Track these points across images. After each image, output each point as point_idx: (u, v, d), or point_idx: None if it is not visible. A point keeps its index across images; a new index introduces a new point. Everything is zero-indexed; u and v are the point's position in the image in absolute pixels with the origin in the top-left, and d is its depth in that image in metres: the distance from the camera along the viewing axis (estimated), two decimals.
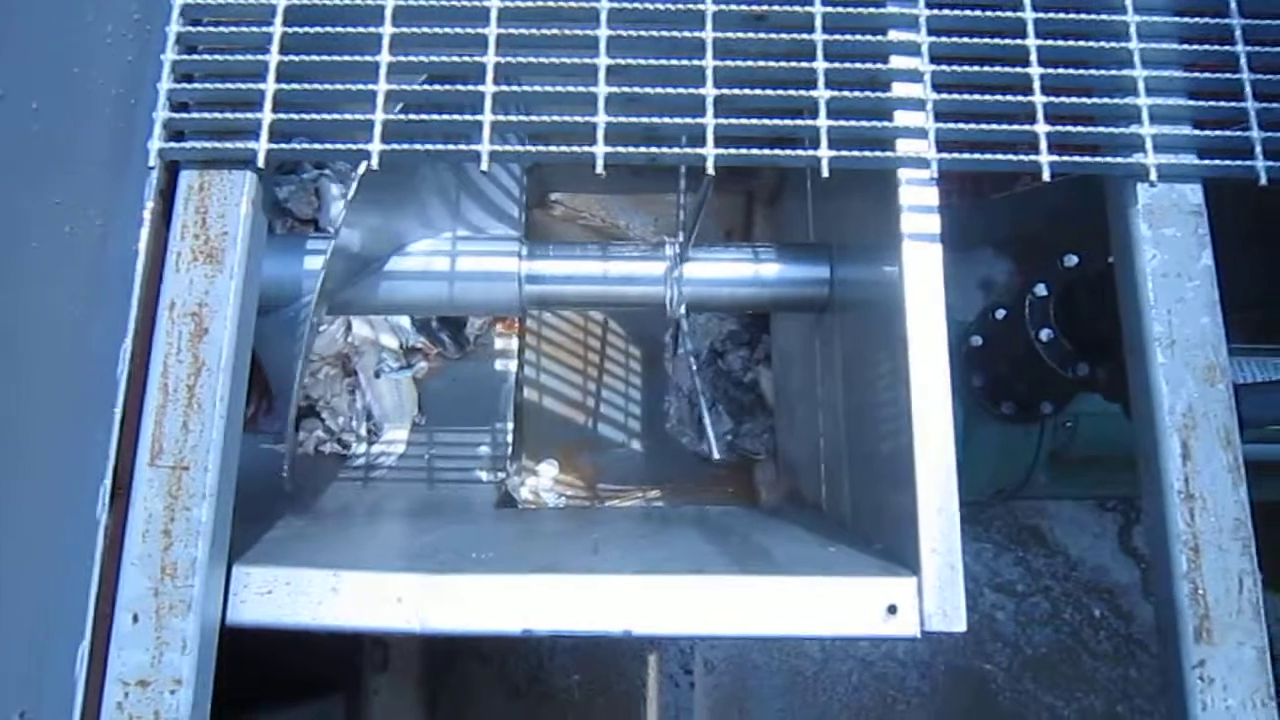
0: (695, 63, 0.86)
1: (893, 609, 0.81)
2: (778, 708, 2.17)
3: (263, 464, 1.31)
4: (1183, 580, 0.79)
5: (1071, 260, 1.26)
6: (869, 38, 0.88)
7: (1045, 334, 1.25)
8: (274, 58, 0.85)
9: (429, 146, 0.85)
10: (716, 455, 1.21)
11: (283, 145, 0.84)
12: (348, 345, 1.56)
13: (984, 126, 0.86)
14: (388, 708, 1.68)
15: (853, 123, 0.86)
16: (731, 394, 1.70)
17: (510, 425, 1.58)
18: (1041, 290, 1.28)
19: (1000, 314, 1.38)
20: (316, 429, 1.55)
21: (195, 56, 0.86)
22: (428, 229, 1.19)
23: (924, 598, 0.81)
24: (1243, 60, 0.88)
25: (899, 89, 0.88)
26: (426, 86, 0.85)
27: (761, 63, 0.87)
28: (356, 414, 1.54)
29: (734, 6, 0.88)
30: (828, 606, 0.82)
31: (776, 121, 0.85)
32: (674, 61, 0.86)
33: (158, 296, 0.81)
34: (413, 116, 0.84)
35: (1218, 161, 0.86)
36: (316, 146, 0.87)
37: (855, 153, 0.85)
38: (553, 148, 0.84)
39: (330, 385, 1.55)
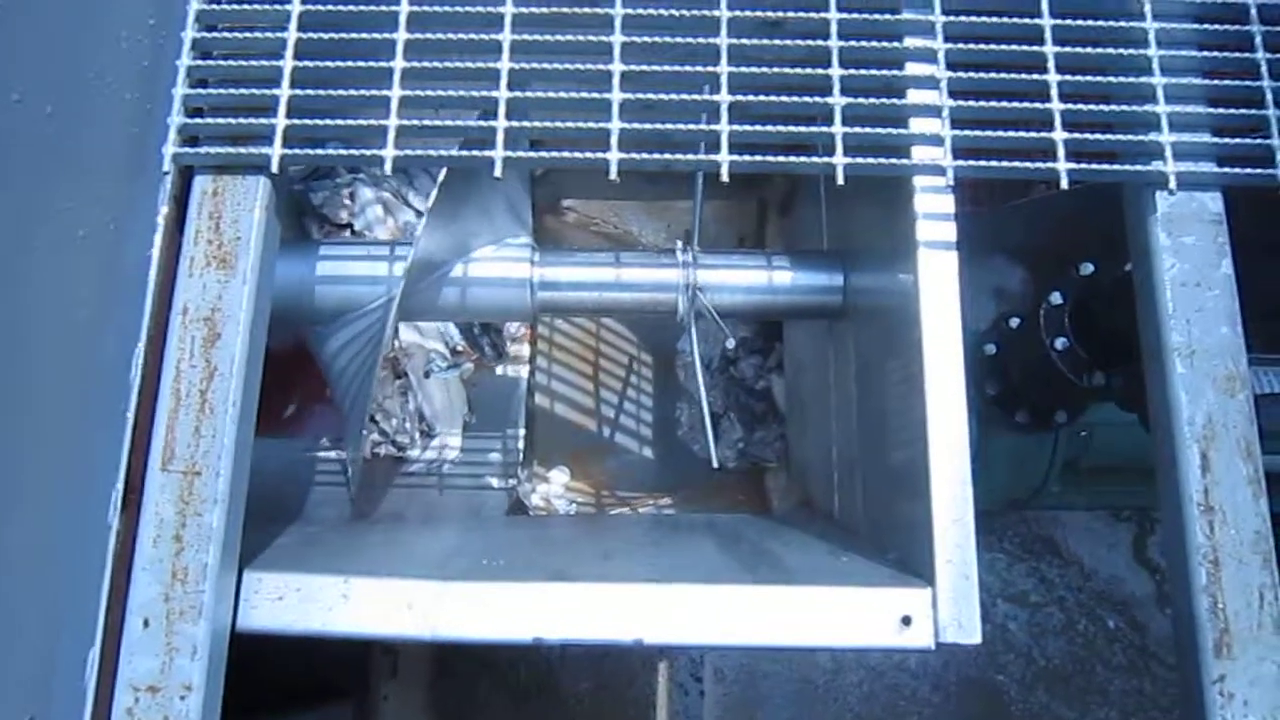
0: (710, 69, 0.86)
1: (907, 620, 0.80)
2: (788, 717, 2.15)
3: (274, 468, 1.31)
4: (1202, 594, 0.78)
5: (1087, 269, 1.25)
6: (885, 44, 0.87)
7: (1060, 343, 1.24)
8: (288, 63, 0.85)
9: (443, 152, 0.85)
10: (715, 464, 1.21)
11: (296, 150, 0.84)
12: (397, 349, 1.56)
13: (1001, 134, 0.85)
14: (396, 714, 1.68)
15: (868, 129, 0.85)
16: (743, 401, 1.69)
17: (522, 432, 1.57)
18: (1056, 299, 1.27)
19: (1014, 322, 1.37)
20: (371, 432, 1.55)
21: (210, 62, 0.87)
22: (494, 234, 1.19)
23: (939, 609, 0.80)
24: (1263, 67, 0.87)
25: (915, 96, 0.88)
26: (441, 93, 0.85)
27: (776, 69, 0.86)
28: (409, 415, 1.54)
29: (749, 13, 0.87)
30: (841, 617, 0.81)
31: (791, 128, 0.85)
32: (689, 68, 0.86)
33: (170, 301, 0.81)
34: (426, 122, 0.84)
35: (1237, 170, 0.85)
36: (330, 152, 0.86)
37: (871, 160, 0.84)
38: (566, 154, 0.84)
39: (382, 388, 1.56)
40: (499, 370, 1.63)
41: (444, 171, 0.99)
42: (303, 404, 1.54)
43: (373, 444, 1.54)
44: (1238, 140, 0.86)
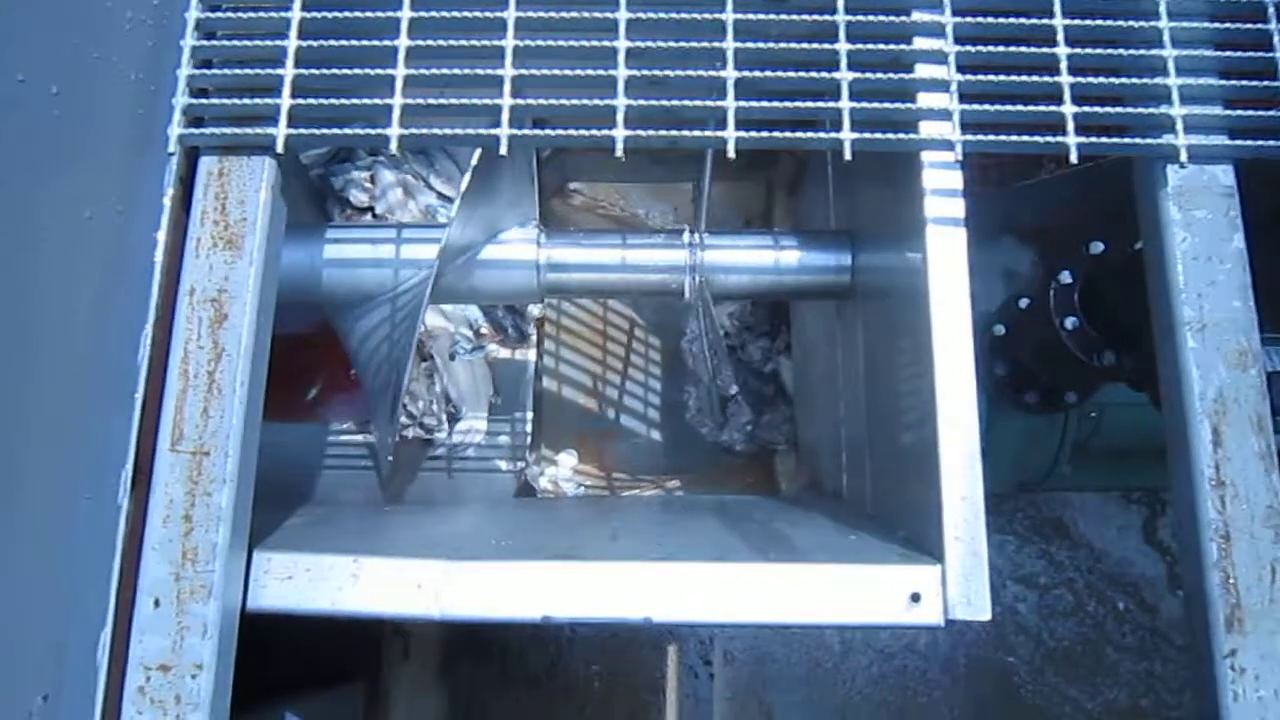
0: (716, 45, 0.85)
1: (916, 597, 0.80)
2: (797, 699, 2.16)
3: (293, 451, 1.32)
4: (1213, 569, 0.77)
5: (1097, 247, 1.24)
6: (892, 18, 0.87)
7: (1070, 322, 1.24)
8: (293, 43, 0.84)
9: (448, 131, 0.84)
10: (732, 390, 1.19)
11: (302, 130, 0.84)
12: (422, 332, 1.56)
13: (1010, 108, 0.84)
14: (408, 697, 1.68)
15: (876, 105, 0.84)
16: (752, 384, 1.69)
17: (530, 415, 1.57)
18: (1066, 278, 1.26)
19: (1024, 302, 1.36)
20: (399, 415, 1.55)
21: (214, 42, 0.86)
22: (517, 214, 1.18)
23: (948, 586, 0.80)
24: (1275, 39, 0.86)
25: (923, 70, 0.87)
26: (446, 71, 0.84)
27: (783, 44, 0.86)
28: (436, 398, 1.54)
29: None
30: (850, 594, 0.81)
31: (798, 104, 0.84)
32: (695, 44, 0.85)
33: (178, 282, 0.81)
34: (431, 100, 0.83)
35: (1250, 142, 0.85)
36: (336, 132, 0.86)
37: (878, 135, 0.84)
38: (573, 131, 0.83)
39: None
40: (507, 354, 1.63)
41: (477, 154, 0.99)
42: (325, 387, 1.55)
43: (400, 427, 1.54)
44: (1250, 112, 0.85)
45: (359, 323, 1.12)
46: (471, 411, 1.56)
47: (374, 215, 1.55)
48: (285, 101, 0.83)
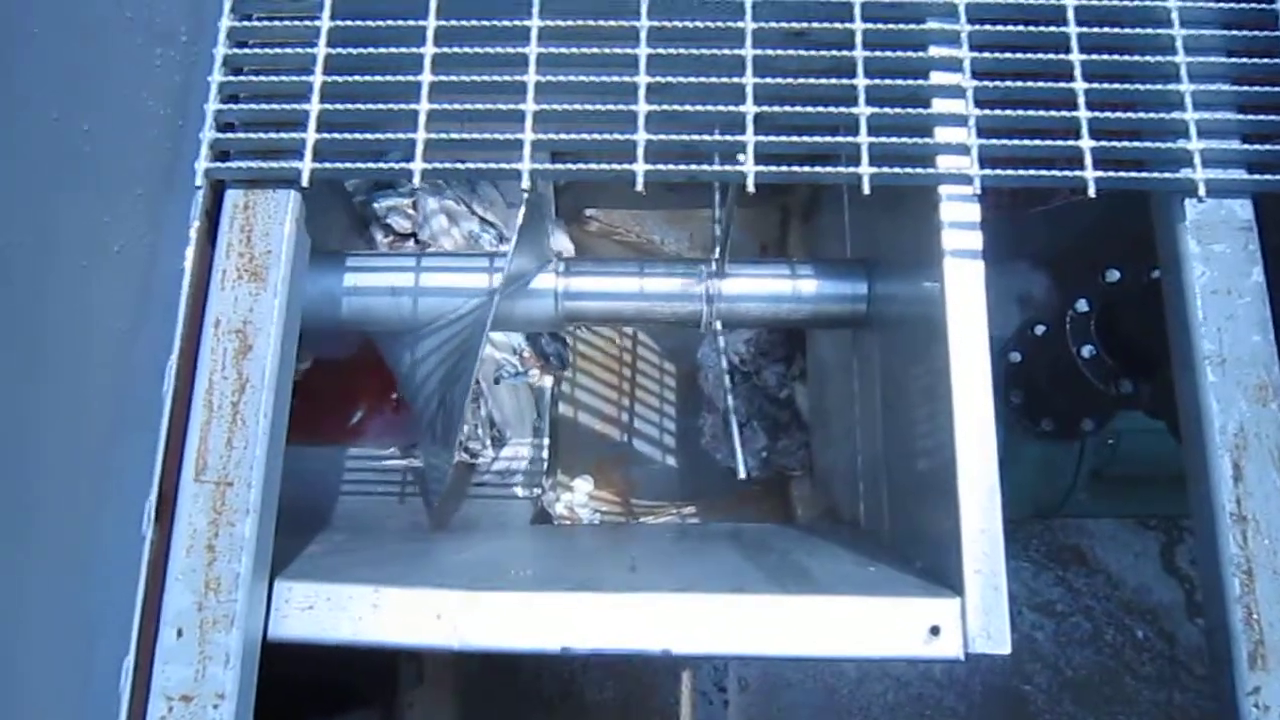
0: (735, 80, 0.86)
1: (935, 630, 0.80)
2: None
3: (304, 478, 1.32)
4: (1236, 605, 0.77)
5: (1114, 275, 1.24)
6: (910, 54, 0.87)
7: (1087, 350, 1.23)
8: (318, 78, 0.86)
9: (470, 165, 0.85)
10: (743, 474, 1.21)
11: (327, 165, 0.85)
12: None
13: (1028, 142, 0.85)
14: None
15: (894, 139, 0.85)
16: (767, 410, 1.69)
17: (546, 441, 1.58)
18: (1083, 306, 1.26)
19: (1040, 330, 1.36)
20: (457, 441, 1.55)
21: (241, 78, 0.88)
22: (553, 247, 1.20)
23: (968, 619, 0.80)
24: None
25: (941, 105, 0.88)
26: (469, 106, 0.86)
27: (801, 79, 0.86)
28: (481, 422, 1.54)
29: (774, 24, 0.88)
30: (869, 627, 0.81)
31: (817, 139, 0.85)
32: (714, 79, 0.86)
33: (203, 314, 0.82)
34: (454, 135, 0.85)
35: (1268, 176, 0.85)
36: (360, 166, 0.87)
37: (897, 169, 0.84)
38: (594, 165, 0.84)
39: None
40: (549, 381, 1.64)
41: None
42: (369, 412, 1.55)
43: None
44: (1267, 146, 0.85)
45: (410, 351, 1.13)
46: (516, 436, 1.56)
47: (416, 241, 1.56)
48: (310, 136, 0.84)
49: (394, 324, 1.15)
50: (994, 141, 0.85)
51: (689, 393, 1.74)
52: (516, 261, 1.08)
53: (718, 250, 1.21)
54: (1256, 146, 0.85)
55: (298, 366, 1.28)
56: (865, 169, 0.84)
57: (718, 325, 1.20)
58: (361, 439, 1.54)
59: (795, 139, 0.85)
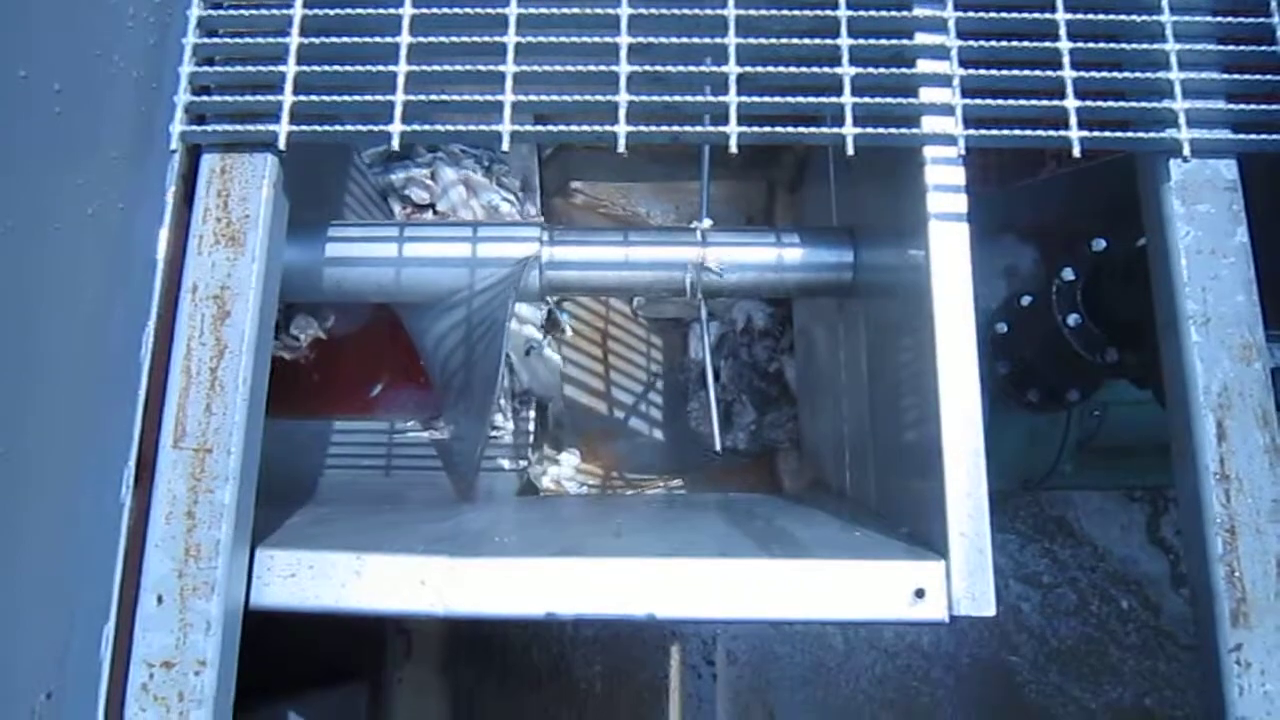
0: (718, 40, 0.85)
1: (920, 593, 0.80)
2: (800, 699, 2.15)
3: (289, 447, 1.31)
4: (1218, 563, 0.77)
5: (1100, 244, 1.23)
6: (894, 13, 0.87)
7: (1073, 319, 1.23)
8: (294, 40, 0.84)
9: (449, 127, 0.84)
10: (718, 448, 1.21)
11: (304, 127, 0.83)
12: None
13: (1012, 102, 0.84)
14: (411, 696, 1.68)
15: (878, 100, 0.84)
16: (756, 385, 1.69)
17: (532, 414, 1.57)
18: (1069, 275, 1.25)
19: (1026, 300, 1.36)
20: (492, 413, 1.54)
21: (216, 39, 0.86)
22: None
23: (952, 581, 0.80)
24: (1278, 33, 0.86)
25: (925, 65, 0.87)
26: (448, 67, 0.84)
27: (785, 40, 0.85)
28: (504, 394, 1.54)
29: None
30: (854, 590, 0.81)
31: (800, 99, 0.84)
32: (696, 39, 0.85)
33: (180, 279, 0.81)
34: (433, 97, 0.83)
35: (1253, 136, 0.84)
36: (338, 129, 0.86)
37: (881, 130, 0.84)
38: (575, 127, 0.83)
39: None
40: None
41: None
42: (389, 384, 1.54)
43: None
44: (1253, 106, 0.84)
45: (434, 324, 1.13)
46: (553, 401, 1.56)
47: (434, 212, 1.54)
48: (287, 98, 0.83)
49: (373, 294, 1.14)
50: (978, 101, 0.84)
51: (677, 366, 1.73)
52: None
53: (703, 214, 1.20)
54: (1242, 106, 0.85)
55: (320, 325, 1.27)
56: (849, 130, 0.83)
57: (701, 294, 1.19)
58: (381, 410, 1.53)
59: (779, 100, 0.84)
